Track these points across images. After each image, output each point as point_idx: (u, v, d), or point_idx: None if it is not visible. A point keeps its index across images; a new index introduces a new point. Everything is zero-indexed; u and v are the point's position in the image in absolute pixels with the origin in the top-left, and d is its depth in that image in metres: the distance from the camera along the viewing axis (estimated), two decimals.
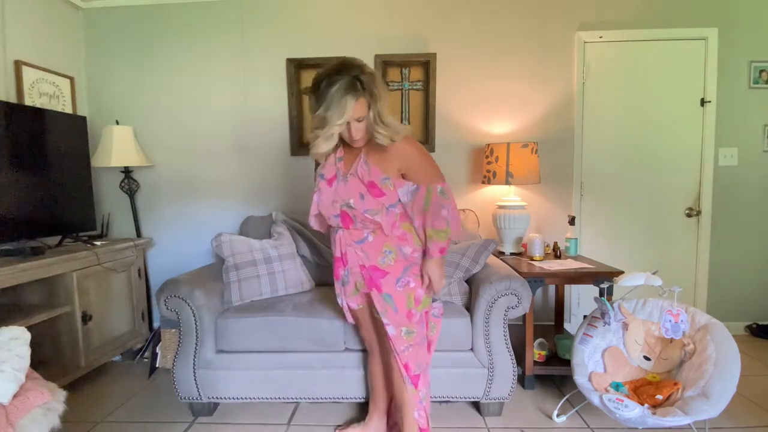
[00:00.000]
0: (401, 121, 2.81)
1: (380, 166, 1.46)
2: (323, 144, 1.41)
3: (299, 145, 2.81)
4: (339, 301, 1.65)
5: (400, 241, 1.51)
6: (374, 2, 2.73)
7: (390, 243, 1.50)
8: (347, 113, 1.34)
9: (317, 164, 1.62)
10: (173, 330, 2.40)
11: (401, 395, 1.55)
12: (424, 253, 1.53)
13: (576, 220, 2.68)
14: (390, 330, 1.51)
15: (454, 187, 2.82)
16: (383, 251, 1.50)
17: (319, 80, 1.36)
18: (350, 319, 1.69)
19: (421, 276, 1.53)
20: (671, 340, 1.78)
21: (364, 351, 1.86)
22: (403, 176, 1.50)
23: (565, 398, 1.97)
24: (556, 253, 2.47)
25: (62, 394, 1.35)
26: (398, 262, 1.51)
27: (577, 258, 2.42)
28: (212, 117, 2.83)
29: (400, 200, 1.49)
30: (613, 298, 1.92)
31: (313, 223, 1.63)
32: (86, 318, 2.25)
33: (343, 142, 1.52)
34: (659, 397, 1.62)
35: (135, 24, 2.80)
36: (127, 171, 2.77)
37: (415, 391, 1.53)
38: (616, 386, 1.72)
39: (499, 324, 1.87)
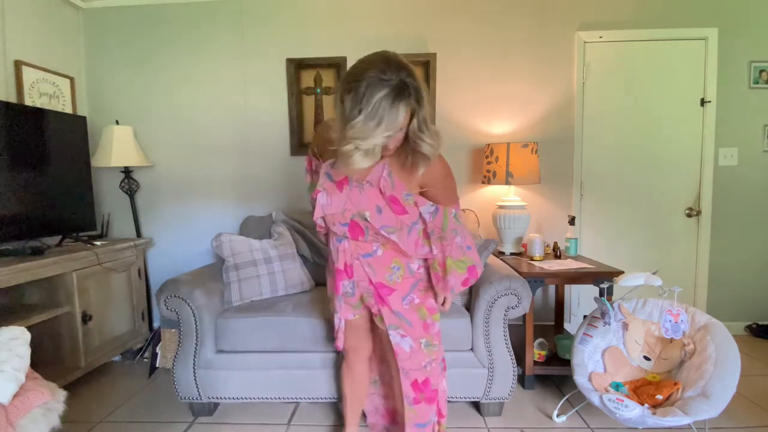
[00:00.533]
0: None
1: (405, 180, 1.29)
2: (363, 160, 1.13)
3: (299, 145, 2.81)
4: (336, 321, 1.51)
5: (411, 259, 1.42)
6: (374, 2, 2.73)
7: (399, 259, 1.41)
8: (398, 124, 1.12)
9: (311, 159, 1.46)
10: (173, 330, 2.40)
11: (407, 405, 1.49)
12: (437, 283, 1.41)
13: (576, 220, 2.68)
14: (407, 343, 1.43)
15: None
16: (391, 267, 1.40)
17: (358, 79, 1.09)
18: (340, 345, 1.56)
19: (434, 297, 1.45)
20: (671, 340, 1.78)
21: None
22: (421, 193, 1.35)
23: (565, 398, 1.97)
24: (556, 253, 2.47)
25: (62, 394, 1.35)
26: (405, 279, 1.42)
27: (577, 258, 2.42)
28: (212, 117, 2.83)
29: (421, 217, 1.35)
30: (613, 298, 1.92)
31: (321, 224, 1.42)
32: (86, 318, 2.25)
33: None
34: (659, 397, 1.62)
35: (135, 24, 2.80)
36: (127, 171, 2.77)
37: (428, 407, 1.48)
38: (616, 386, 1.72)
39: (499, 324, 1.87)
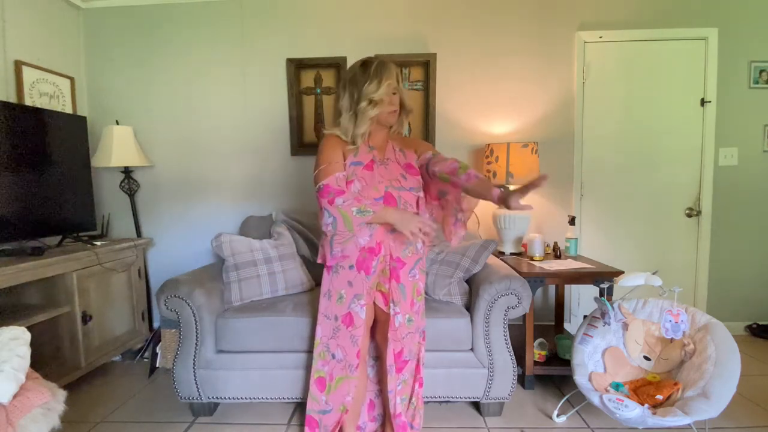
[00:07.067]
0: None
1: (409, 149, 1.68)
2: (372, 111, 1.51)
3: (299, 145, 2.81)
4: (358, 316, 1.57)
5: None
6: (374, 2, 2.73)
7: None
8: (394, 76, 1.52)
9: (319, 166, 1.55)
10: (173, 330, 2.40)
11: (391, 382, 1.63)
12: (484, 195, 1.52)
13: (576, 220, 2.68)
14: (398, 319, 1.58)
15: None
16: (405, 241, 1.59)
17: (354, 70, 1.54)
18: (365, 344, 1.64)
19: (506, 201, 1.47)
20: (671, 340, 1.78)
21: None
22: (417, 155, 1.69)
23: (565, 398, 1.97)
24: (556, 253, 2.47)
25: (62, 394, 1.35)
26: (413, 254, 1.63)
27: (577, 258, 2.42)
28: (212, 117, 2.83)
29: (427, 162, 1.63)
30: (613, 298, 1.92)
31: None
32: (86, 318, 2.25)
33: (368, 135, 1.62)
34: (659, 397, 1.62)
35: (135, 24, 2.80)
36: (127, 171, 2.77)
37: (395, 376, 1.61)
38: (616, 386, 1.72)
39: (499, 324, 1.87)
